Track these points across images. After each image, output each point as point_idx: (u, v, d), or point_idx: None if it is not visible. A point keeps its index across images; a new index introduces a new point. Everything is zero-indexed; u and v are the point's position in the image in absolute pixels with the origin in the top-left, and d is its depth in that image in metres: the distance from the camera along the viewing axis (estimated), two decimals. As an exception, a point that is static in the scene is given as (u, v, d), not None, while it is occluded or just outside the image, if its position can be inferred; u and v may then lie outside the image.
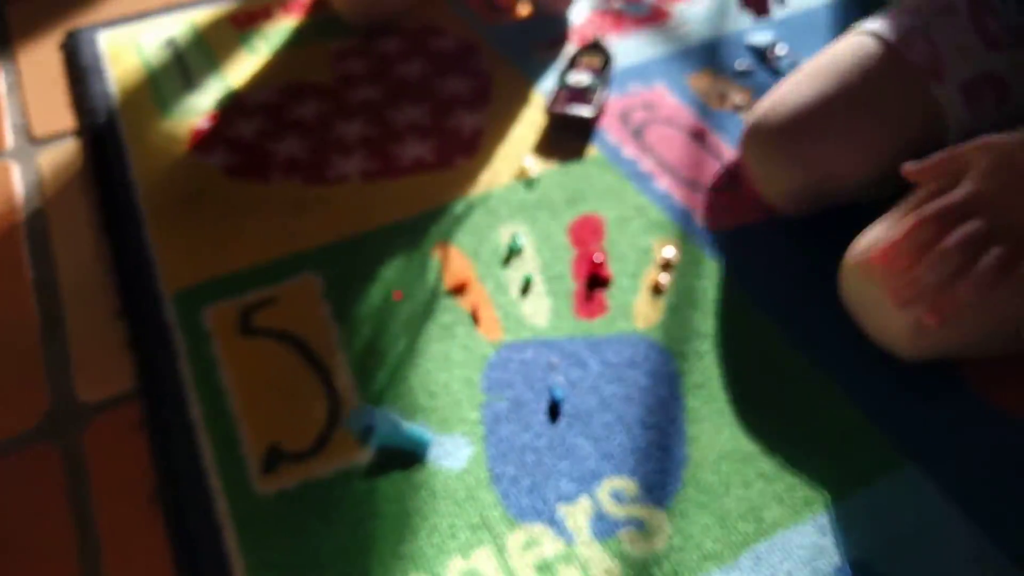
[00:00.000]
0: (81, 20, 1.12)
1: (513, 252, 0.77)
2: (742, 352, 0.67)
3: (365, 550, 0.56)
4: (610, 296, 0.73)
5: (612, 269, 0.75)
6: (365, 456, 0.62)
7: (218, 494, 0.60)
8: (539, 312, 0.71)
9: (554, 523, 0.58)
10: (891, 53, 0.70)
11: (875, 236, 0.62)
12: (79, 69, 1.01)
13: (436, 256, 0.77)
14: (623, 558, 0.56)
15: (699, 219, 0.79)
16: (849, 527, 0.56)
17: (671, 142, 0.88)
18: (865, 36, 0.74)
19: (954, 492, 0.58)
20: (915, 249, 0.54)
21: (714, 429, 0.62)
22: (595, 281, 0.74)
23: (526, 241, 0.78)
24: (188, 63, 1.02)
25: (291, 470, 0.61)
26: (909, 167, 0.58)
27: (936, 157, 0.57)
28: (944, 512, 0.57)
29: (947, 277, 0.53)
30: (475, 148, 0.89)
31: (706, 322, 0.70)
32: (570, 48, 1.02)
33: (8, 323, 0.74)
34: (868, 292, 0.62)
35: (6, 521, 0.61)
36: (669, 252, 0.75)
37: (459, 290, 0.74)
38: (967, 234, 0.52)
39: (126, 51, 1.04)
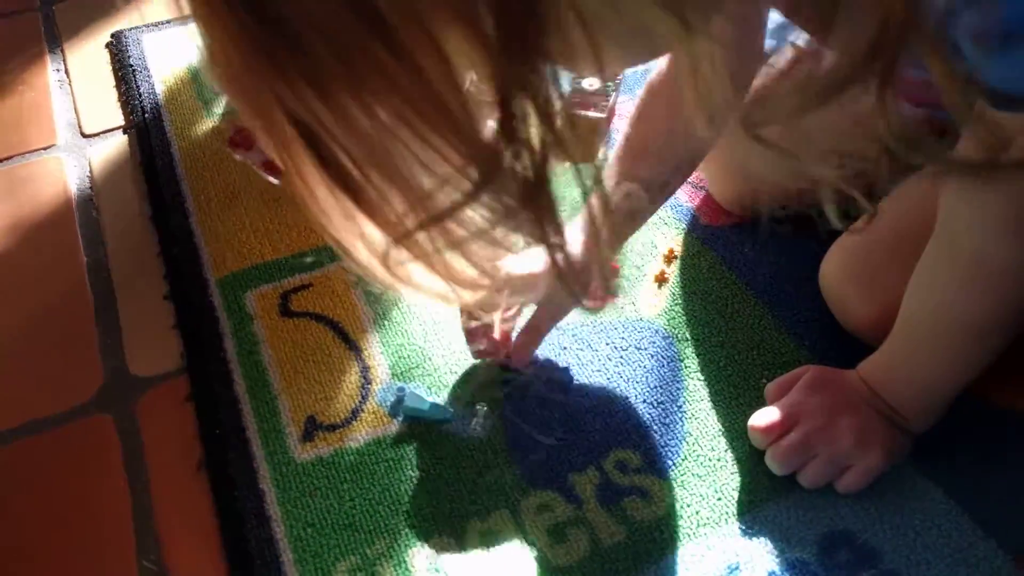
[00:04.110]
0: (124, 22, 1.17)
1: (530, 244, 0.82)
2: (737, 337, 0.72)
3: (393, 512, 0.62)
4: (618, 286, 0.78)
5: (620, 261, 0.80)
6: (394, 427, 0.67)
7: (261, 461, 0.66)
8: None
9: (564, 490, 0.63)
10: None
11: (842, 252, 0.71)
12: (126, 68, 1.07)
13: (459, 247, 0.82)
14: (627, 523, 0.61)
15: (700, 216, 0.84)
16: (836, 502, 0.61)
17: (679, 143, 0.93)
18: None
19: (938, 476, 0.62)
20: (776, 427, 0.64)
21: (711, 407, 0.68)
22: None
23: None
24: (227, 64, 1.08)
25: (327, 439, 0.67)
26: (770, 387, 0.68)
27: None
28: (924, 486, 0.62)
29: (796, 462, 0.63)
30: (495, 147, 0.94)
31: (705, 310, 0.75)
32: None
33: (64, 304, 0.80)
34: (839, 294, 0.71)
35: (66, 484, 0.67)
36: (673, 246, 0.81)
37: (480, 279, 0.79)
38: (791, 445, 0.62)
39: (170, 53, 1.10)
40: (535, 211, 0.31)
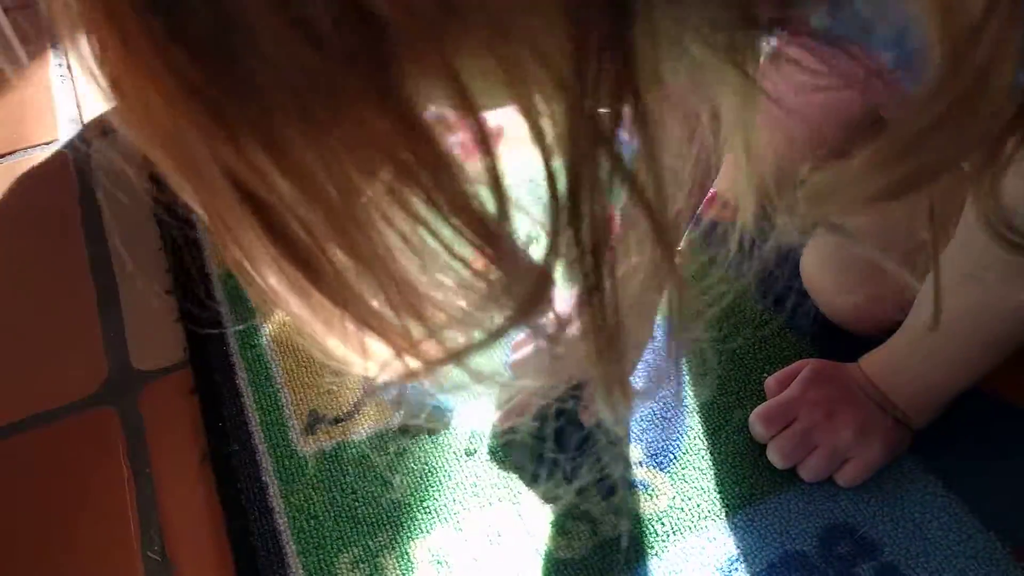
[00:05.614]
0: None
1: (531, 239, 0.82)
2: (738, 331, 0.73)
3: (395, 504, 0.62)
4: (621, 281, 0.78)
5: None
6: (396, 420, 0.68)
7: (263, 453, 0.66)
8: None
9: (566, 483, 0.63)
10: None
11: (820, 242, 0.71)
12: (127, 64, 1.07)
13: (461, 242, 0.83)
14: (629, 515, 0.61)
15: (702, 211, 0.84)
16: (836, 495, 0.62)
17: (681, 139, 0.93)
18: None
19: (938, 468, 0.63)
20: (776, 421, 0.64)
21: (712, 401, 0.68)
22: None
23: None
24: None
25: (330, 432, 0.67)
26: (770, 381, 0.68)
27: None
28: (924, 479, 0.63)
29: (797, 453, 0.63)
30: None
31: (707, 306, 0.75)
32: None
33: (68, 298, 0.81)
34: (819, 286, 0.71)
35: (70, 478, 0.67)
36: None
37: (482, 273, 0.79)
38: (792, 438, 0.63)
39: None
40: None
